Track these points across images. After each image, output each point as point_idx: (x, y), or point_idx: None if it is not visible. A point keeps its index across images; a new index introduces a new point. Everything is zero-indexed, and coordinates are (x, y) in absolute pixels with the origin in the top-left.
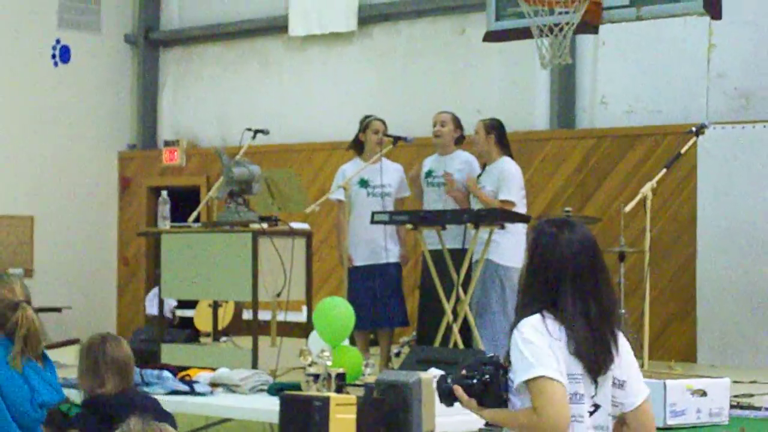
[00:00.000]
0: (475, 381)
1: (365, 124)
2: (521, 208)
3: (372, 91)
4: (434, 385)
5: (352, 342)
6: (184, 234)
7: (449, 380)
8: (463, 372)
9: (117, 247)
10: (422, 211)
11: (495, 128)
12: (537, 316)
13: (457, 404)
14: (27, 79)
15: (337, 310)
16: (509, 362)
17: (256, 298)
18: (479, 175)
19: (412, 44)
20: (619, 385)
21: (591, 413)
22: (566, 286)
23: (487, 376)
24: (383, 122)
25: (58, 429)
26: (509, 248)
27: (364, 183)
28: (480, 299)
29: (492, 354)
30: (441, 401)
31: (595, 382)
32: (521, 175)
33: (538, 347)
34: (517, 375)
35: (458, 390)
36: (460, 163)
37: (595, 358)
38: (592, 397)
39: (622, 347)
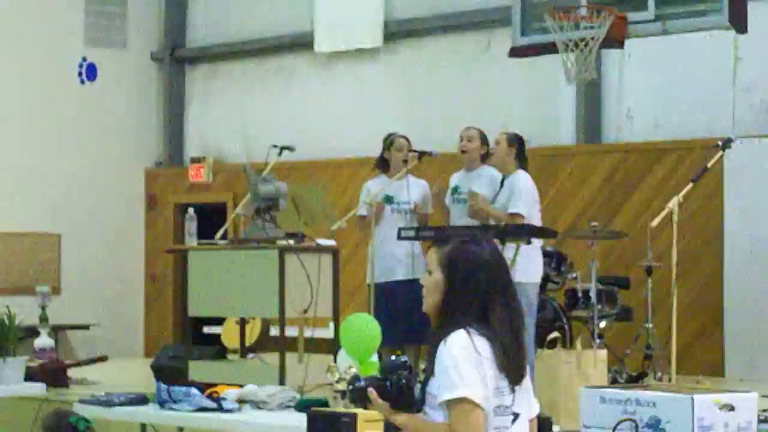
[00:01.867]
0: (389, 384)
1: (389, 142)
2: (534, 222)
3: (397, 106)
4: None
5: (380, 359)
6: (211, 251)
7: (363, 381)
8: (378, 374)
9: (144, 264)
10: (448, 227)
11: (516, 141)
12: (463, 333)
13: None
14: (54, 97)
15: (363, 325)
16: (431, 373)
17: (283, 315)
18: (498, 191)
19: (437, 60)
20: (528, 389)
21: (512, 421)
22: (490, 299)
23: (403, 381)
24: (407, 139)
25: None
26: (524, 264)
27: (388, 199)
28: None
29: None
30: (352, 402)
31: (514, 391)
32: (535, 189)
33: (464, 367)
34: (442, 392)
35: (372, 393)
36: (487, 177)
37: (516, 369)
38: (511, 406)
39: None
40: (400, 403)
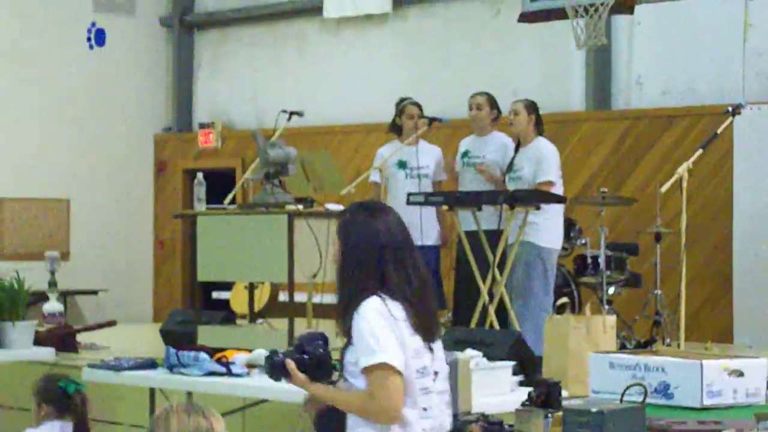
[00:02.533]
0: (307, 356)
1: (400, 108)
2: (559, 189)
3: (407, 72)
4: (472, 365)
5: None
6: (220, 216)
7: (281, 354)
8: (296, 347)
9: (153, 229)
10: (458, 192)
11: (534, 108)
12: (376, 299)
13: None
14: (63, 63)
15: None
16: (350, 342)
17: (291, 280)
18: (513, 157)
19: (446, 26)
20: (440, 348)
21: (434, 380)
22: (391, 263)
23: (320, 351)
24: (418, 105)
25: (57, 405)
26: (548, 229)
27: (402, 165)
28: (523, 282)
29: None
30: (270, 375)
31: (431, 350)
32: (558, 155)
33: (381, 332)
34: (360, 359)
35: (290, 364)
36: (496, 145)
37: (428, 327)
38: (431, 365)
39: None
40: (317, 375)
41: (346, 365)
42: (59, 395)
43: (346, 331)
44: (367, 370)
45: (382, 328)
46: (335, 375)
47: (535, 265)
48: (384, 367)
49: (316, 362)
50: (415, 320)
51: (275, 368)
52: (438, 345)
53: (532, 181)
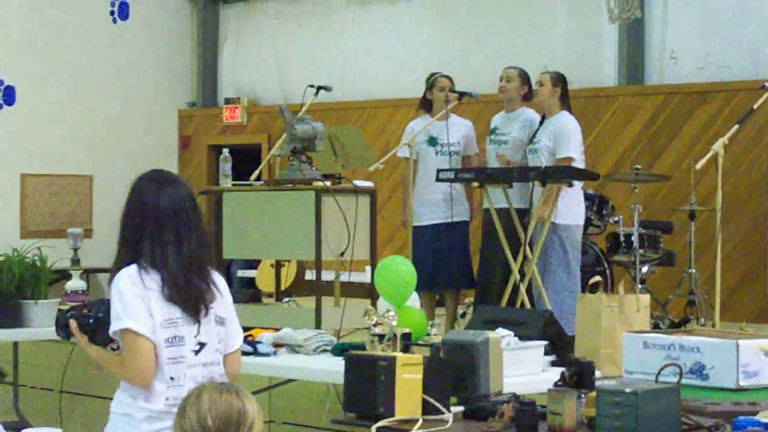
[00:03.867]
0: (90, 319)
1: (431, 82)
2: (580, 165)
3: (435, 46)
4: (503, 344)
5: (421, 304)
6: (246, 192)
7: (69, 314)
8: (84, 309)
9: None
10: (488, 169)
11: (561, 81)
12: (134, 267)
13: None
14: (85, 37)
15: (398, 269)
16: None
17: (319, 258)
18: (536, 131)
19: None
20: (221, 322)
21: (197, 352)
22: (149, 237)
23: (101, 314)
24: (449, 78)
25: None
26: (566, 206)
27: (432, 141)
28: (541, 259)
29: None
30: (57, 333)
31: (198, 321)
32: (580, 131)
33: (129, 299)
34: (111, 324)
35: (73, 324)
36: (523, 121)
37: (191, 300)
38: (196, 336)
39: (221, 286)
40: (97, 337)
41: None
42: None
43: None
44: (118, 335)
45: (130, 295)
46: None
47: (552, 241)
48: (129, 332)
49: (95, 324)
50: (172, 292)
51: (60, 326)
52: (209, 318)
53: (549, 153)
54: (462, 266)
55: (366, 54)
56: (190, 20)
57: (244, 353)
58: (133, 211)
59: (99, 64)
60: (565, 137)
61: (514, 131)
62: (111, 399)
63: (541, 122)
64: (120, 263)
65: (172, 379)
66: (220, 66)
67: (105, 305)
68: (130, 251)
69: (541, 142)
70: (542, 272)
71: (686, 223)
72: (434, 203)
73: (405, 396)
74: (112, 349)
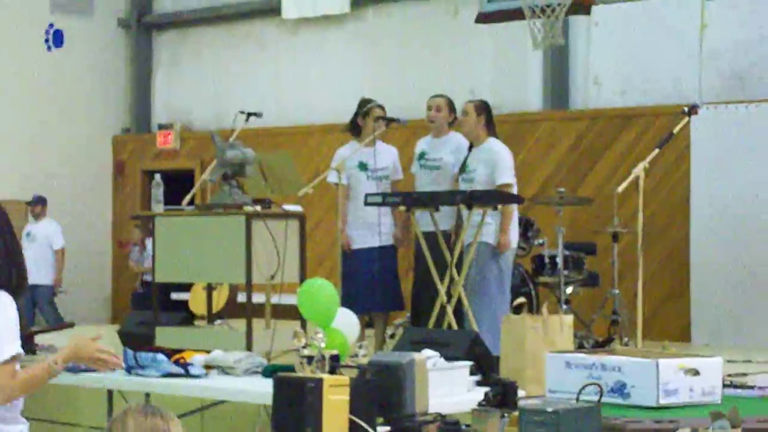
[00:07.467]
0: None
1: (366, 110)
2: (515, 190)
3: (365, 73)
4: (429, 365)
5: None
6: (178, 217)
7: None
8: None
9: (112, 230)
10: (415, 193)
11: (484, 110)
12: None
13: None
14: (20, 64)
15: (319, 292)
16: None
17: (249, 281)
18: (466, 158)
19: (404, 26)
20: None
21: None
22: None
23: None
24: (383, 108)
25: None
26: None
27: (363, 166)
28: (478, 282)
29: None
30: None
31: None
32: (512, 156)
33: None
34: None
35: None
36: (453, 144)
37: None
38: None
39: None
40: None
41: None
42: None
43: None
44: None
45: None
46: None
47: (489, 264)
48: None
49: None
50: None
51: None
52: None
53: (485, 182)
54: (392, 288)
55: (298, 80)
56: (124, 47)
57: (175, 375)
58: None
59: (34, 91)
60: (502, 164)
61: (446, 155)
62: None
63: (469, 149)
64: None
65: None
66: (154, 92)
67: None
68: None
69: (476, 171)
70: (479, 293)
71: (609, 244)
72: (366, 227)
73: (332, 417)
74: None
